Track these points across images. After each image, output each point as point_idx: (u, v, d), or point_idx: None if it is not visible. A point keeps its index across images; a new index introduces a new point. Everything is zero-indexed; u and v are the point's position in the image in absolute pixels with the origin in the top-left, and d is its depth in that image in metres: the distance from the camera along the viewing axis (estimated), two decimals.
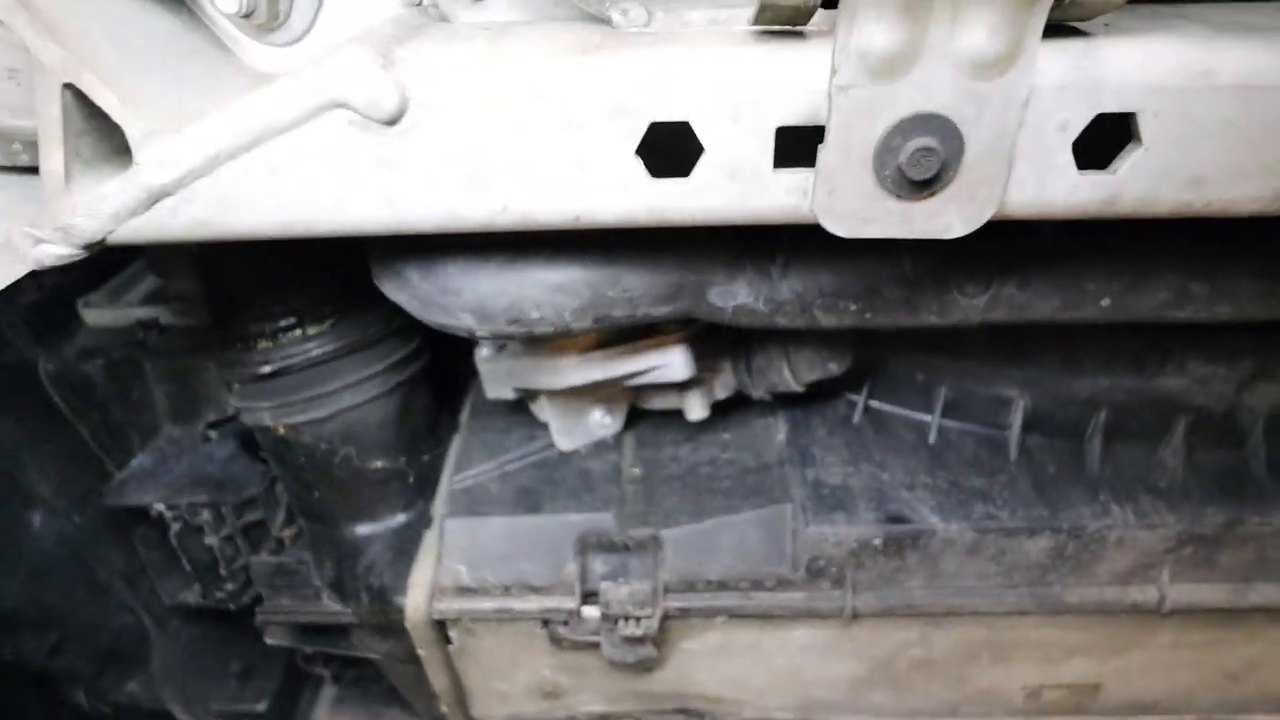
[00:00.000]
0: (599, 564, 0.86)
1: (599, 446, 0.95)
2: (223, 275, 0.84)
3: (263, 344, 0.85)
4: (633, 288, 0.66)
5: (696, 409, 0.89)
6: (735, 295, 0.69)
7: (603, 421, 0.93)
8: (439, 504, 0.92)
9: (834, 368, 0.86)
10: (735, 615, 0.86)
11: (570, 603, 0.85)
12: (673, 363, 0.79)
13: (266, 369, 0.84)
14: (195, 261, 0.86)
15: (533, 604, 0.86)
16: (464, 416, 1.02)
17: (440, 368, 1.01)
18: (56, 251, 0.58)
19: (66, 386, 1.07)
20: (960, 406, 0.91)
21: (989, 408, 0.90)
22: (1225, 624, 0.89)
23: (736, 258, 0.68)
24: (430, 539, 0.91)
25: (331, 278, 0.84)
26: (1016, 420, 0.88)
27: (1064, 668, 0.93)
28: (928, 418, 0.92)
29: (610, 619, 0.84)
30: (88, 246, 0.58)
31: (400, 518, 0.94)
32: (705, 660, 0.92)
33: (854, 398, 0.97)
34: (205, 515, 0.99)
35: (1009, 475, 0.87)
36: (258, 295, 0.83)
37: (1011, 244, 0.67)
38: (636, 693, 0.98)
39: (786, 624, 0.88)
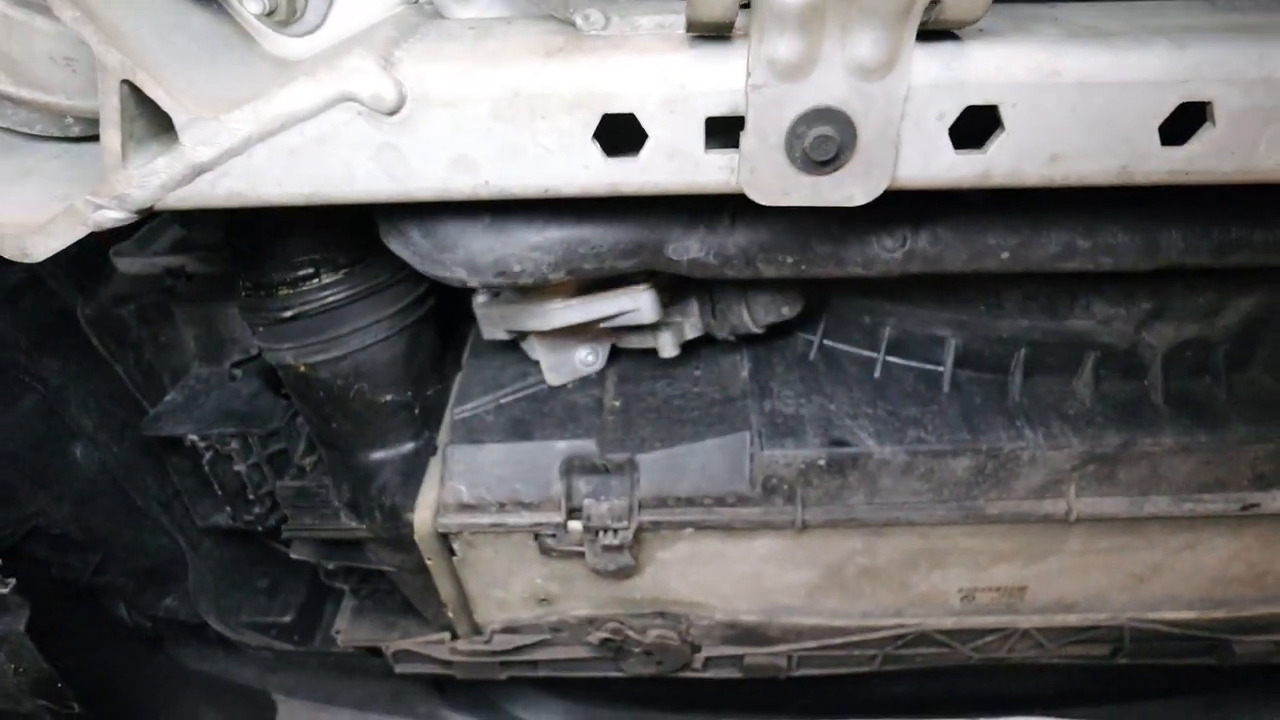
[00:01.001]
0: (582, 484, 0.99)
1: (584, 382, 1.07)
2: (248, 231, 0.94)
3: (284, 291, 0.96)
4: (600, 244, 0.77)
5: (668, 347, 1.01)
6: (689, 250, 0.80)
7: (586, 359, 1.05)
8: (443, 433, 1.05)
9: (786, 311, 0.97)
10: (701, 527, 1.00)
11: (557, 517, 0.98)
12: (642, 306, 0.90)
13: (287, 314, 0.96)
14: (224, 222, 0.97)
15: (525, 519, 0.99)
16: (465, 356, 1.14)
17: (445, 312, 1.13)
18: (113, 215, 0.69)
19: (103, 329, 1.19)
20: (901, 345, 1.03)
21: (926, 346, 1.02)
22: (1127, 532, 1.02)
23: (691, 219, 0.79)
24: (435, 464, 1.04)
25: (344, 233, 0.95)
26: (949, 357, 1.00)
27: (993, 572, 1.07)
28: (874, 355, 1.04)
29: (592, 531, 0.97)
30: (139, 212, 0.69)
31: (409, 445, 1.07)
32: (678, 569, 1.06)
33: (810, 337, 1.08)
34: (234, 445, 1.12)
35: (940, 405, 0.99)
36: (279, 248, 0.94)
37: (922, 206, 0.78)
38: (619, 599, 1.12)
39: (746, 535, 1.02)
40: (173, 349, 1.22)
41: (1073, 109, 0.55)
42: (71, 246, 1.25)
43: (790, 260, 0.81)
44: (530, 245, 0.76)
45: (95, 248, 1.26)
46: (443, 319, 1.13)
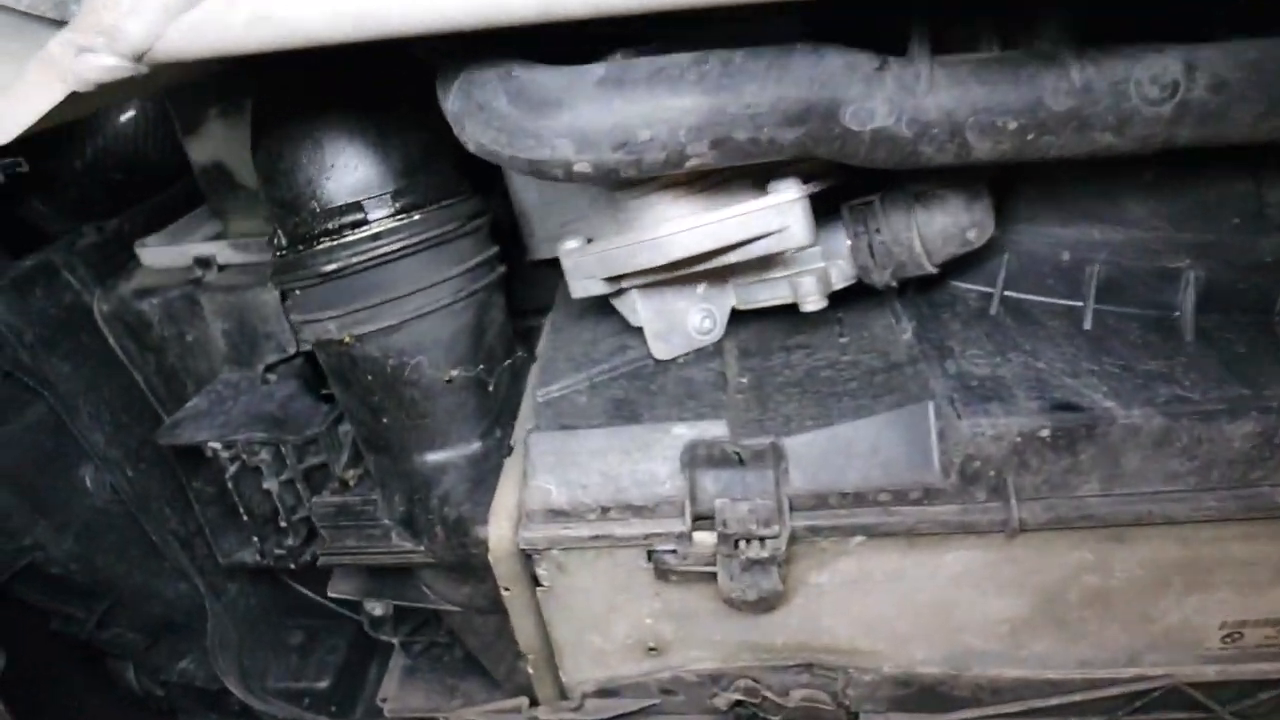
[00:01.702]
0: (709, 480, 0.74)
1: (699, 356, 0.84)
2: (282, 159, 0.76)
3: (325, 243, 0.77)
4: (757, 103, 0.56)
5: (813, 297, 0.78)
6: (873, 115, 0.58)
7: (702, 326, 0.83)
8: (522, 422, 0.82)
9: (973, 237, 0.74)
10: (874, 534, 0.74)
11: (679, 525, 0.74)
12: (792, 225, 0.68)
13: (330, 267, 0.76)
14: (254, 148, 0.79)
15: (635, 528, 0.75)
16: (544, 339, 0.93)
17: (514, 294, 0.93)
18: (101, 63, 0.51)
19: (122, 327, 1.01)
20: (1116, 287, 0.78)
21: (1152, 285, 0.77)
22: None
23: (875, 69, 0.57)
24: (512, 464, 0.81)
25: (397, 156, 0.76)
26: (1189, 296, 0.75)
27: (1273, 596, 0.78)
28: (1076, 304, 0.80)
29: (728, 540, 0.72)
30: (134, 56, 0.50)
31: (475, 445, 0.85)
32: (838, 598, 0.79)
33: (981, 289, 0.85)
34: (264, 455, 0.91)
35: (1189, 357, 0.73)
36: (318, 181, 0.75)
37: (1202, 32, 0.56)
38: (754, 645, 0.85)
39: (936, 546, 0.75)
40: (199, 351, 1.03)
41: None
42: (93, 239, 1.10)
43: (1014, 126, 0.58)
44: (663, 105, 0.55)
45: (120, 240, 1.10)
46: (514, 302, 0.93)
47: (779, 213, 0.68)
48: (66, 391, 0.96)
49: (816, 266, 0.79)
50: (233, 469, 0.91)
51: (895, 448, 0.73)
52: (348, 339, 0.78)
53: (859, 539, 0.74)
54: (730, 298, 0.84)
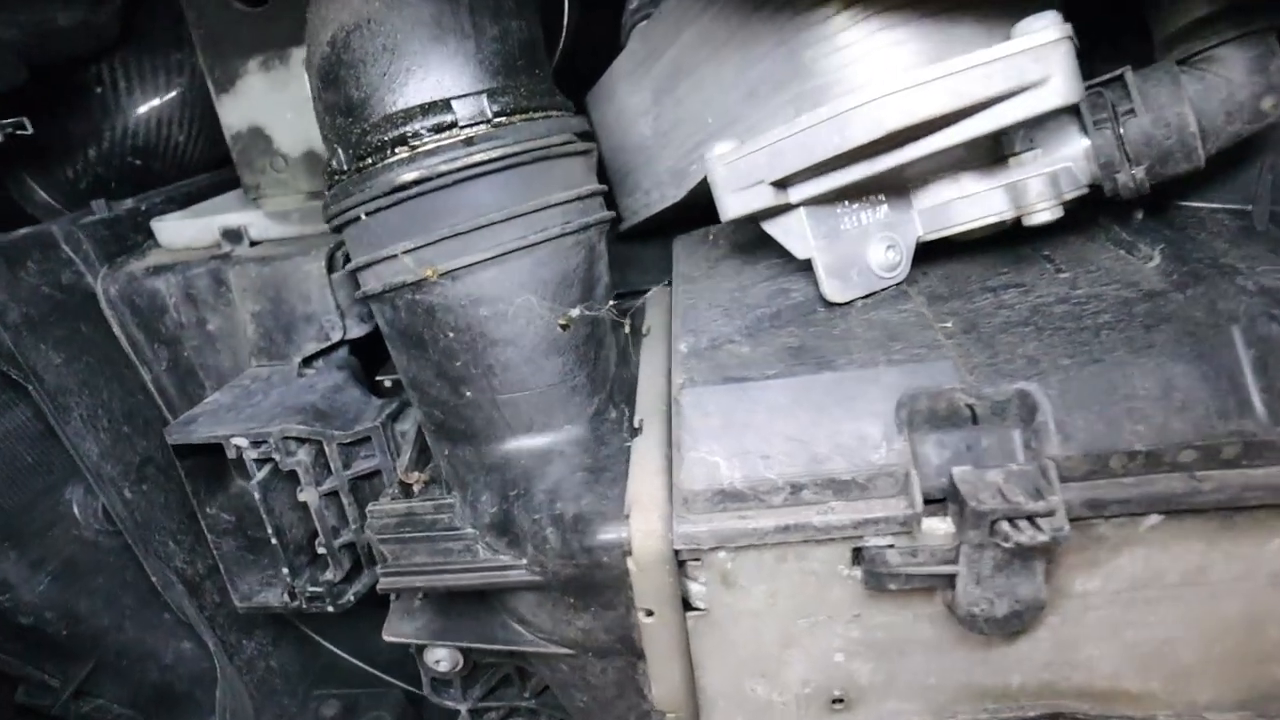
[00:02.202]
0: (933, 445, 0.54)
1: (881, 299, 0.65)
2: (349, 49, 0.59)
3: (398, 152, 0.59)
4: None
5: (1046, 203, 0.59)
6: None
7: (887, 260, 0.64)
8: (643, 400, 0.62)
9: (1268, 107, 0.57)
10: (1176, 512, 0.52)
11: (904, 506, 0.52)
12: (1054, 75, 0.50)
13: (409, 176, 0.58)
14: (309, 41, 0.62)
15: (841, 514, 0.53)
16: (671, 288, 0.74)
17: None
18: None
19: (129, 311, 0.82)
20: None
21: None
22: None
23: None
24: (645, 445, 0.60)
25: (496, 53, 0.60)
26: None
27: None
28: None
29: (981, 523, 0.50)
30: None
31: (584, 427, 0.64)
32: (1108, 614, 0.57)
33: (1236, 206, 0.67)
34: (301, 455, 0.70)
35: None
36: (395, 72, 0.58)
37: None
38: (979, 689, 0.61)
39: (1256, 528, 0.54)
40: (223, 344, 0.83)
41: None
42: (103, 214, 0.91)
43: None
44: None
45: (135, 219, 0.92)
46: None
47: (1037, 58, 0.50)
48: (56, 388, 0.76)
49: (1043, 171, 0.61)
50: (261, 473, 0.70)
51: (1194, 388, 0.53)
52: (430, 274, 0.59)
53: (1153, 520, 0.53)
54: (915, 225, 0.65)
